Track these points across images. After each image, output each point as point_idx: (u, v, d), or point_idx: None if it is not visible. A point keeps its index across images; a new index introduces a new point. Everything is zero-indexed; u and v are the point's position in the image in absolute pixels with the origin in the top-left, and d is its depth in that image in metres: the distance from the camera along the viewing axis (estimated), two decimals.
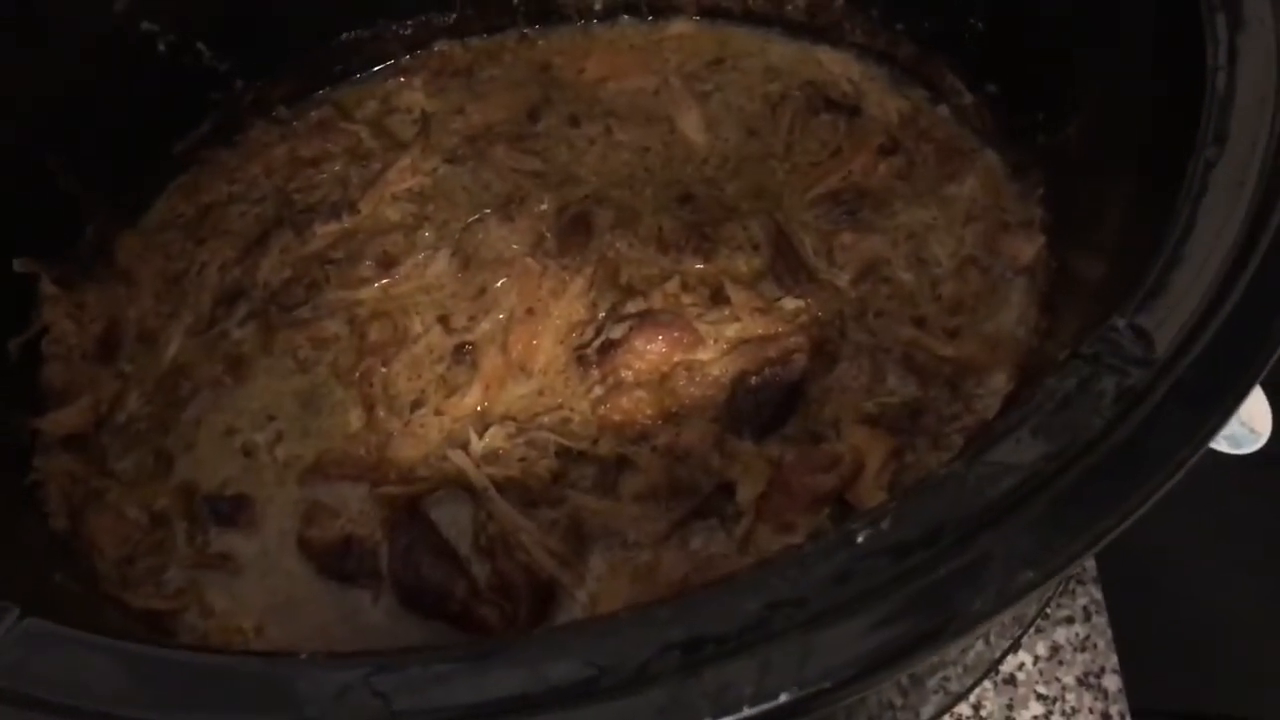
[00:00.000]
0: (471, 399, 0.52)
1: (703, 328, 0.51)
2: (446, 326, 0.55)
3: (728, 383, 0.50)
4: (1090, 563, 0.58)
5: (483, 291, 0.56)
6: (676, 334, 0.51)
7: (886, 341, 0.52)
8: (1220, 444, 0.73)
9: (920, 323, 0.52)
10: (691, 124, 0.61)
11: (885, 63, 0.61)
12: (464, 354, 0.54)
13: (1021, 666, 0.55)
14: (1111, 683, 0.55)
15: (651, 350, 0.51)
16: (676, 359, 0.51)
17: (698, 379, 0.50)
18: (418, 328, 0.55)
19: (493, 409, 0.52)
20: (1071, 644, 0.56)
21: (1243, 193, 0.34)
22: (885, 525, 0.29)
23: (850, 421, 0.49)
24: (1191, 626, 0.69)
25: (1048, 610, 0.57)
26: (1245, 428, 0.73)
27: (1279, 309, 0.31)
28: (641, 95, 0.64)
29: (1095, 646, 0.56)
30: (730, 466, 0.48)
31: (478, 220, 0.59)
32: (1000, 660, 0.54)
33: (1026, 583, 0.27)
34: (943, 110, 0.60)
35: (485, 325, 0.55)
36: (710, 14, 0.64)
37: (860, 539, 0.28)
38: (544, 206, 0.58)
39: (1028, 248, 0.53)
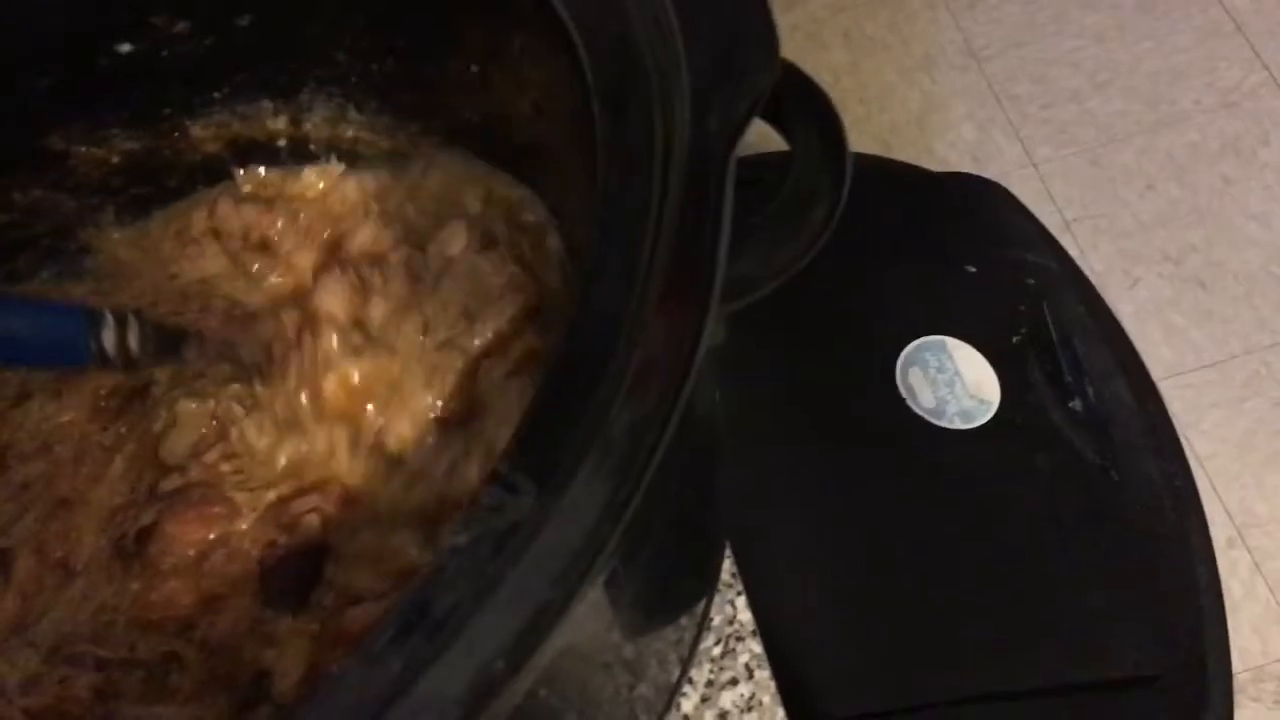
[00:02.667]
0: (7, 614, 0.47)
1: (240, 496, 0.47)
2: None
3: (258, 554, 0.46)
4: (747, 615, 0.56)
5: (25, 487, 0.51)
6: (210, 509, 0.47)
7: None
8: (954, 422, 0.72)
9: None
10: None
11: None
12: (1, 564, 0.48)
13: None
14: None
15: (185, 533, 0.46)
16: (213, 535, 0.47)
17: (235, 554, 0.46)
18: None
19: (36, 621, 0.47)
20: (738, 706, 0.54)
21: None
22: None
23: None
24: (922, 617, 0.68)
25: (711, 676, 0.54)
26: (975, 399, 0.73)
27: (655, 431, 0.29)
28: None
29: (761, 704, 0.54)
30: (265, 651, 0.44)
31: (18, 405, 0.53)
32: None
33: None
34: None
35: (23, 525, 0.49)
36: None
37: None
38: None
39: None
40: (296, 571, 0.45)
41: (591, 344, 0.31)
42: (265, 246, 0.57)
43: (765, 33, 0.34)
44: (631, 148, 0.34)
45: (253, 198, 0.59)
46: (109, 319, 0.47)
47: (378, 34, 0.51)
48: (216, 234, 0.58)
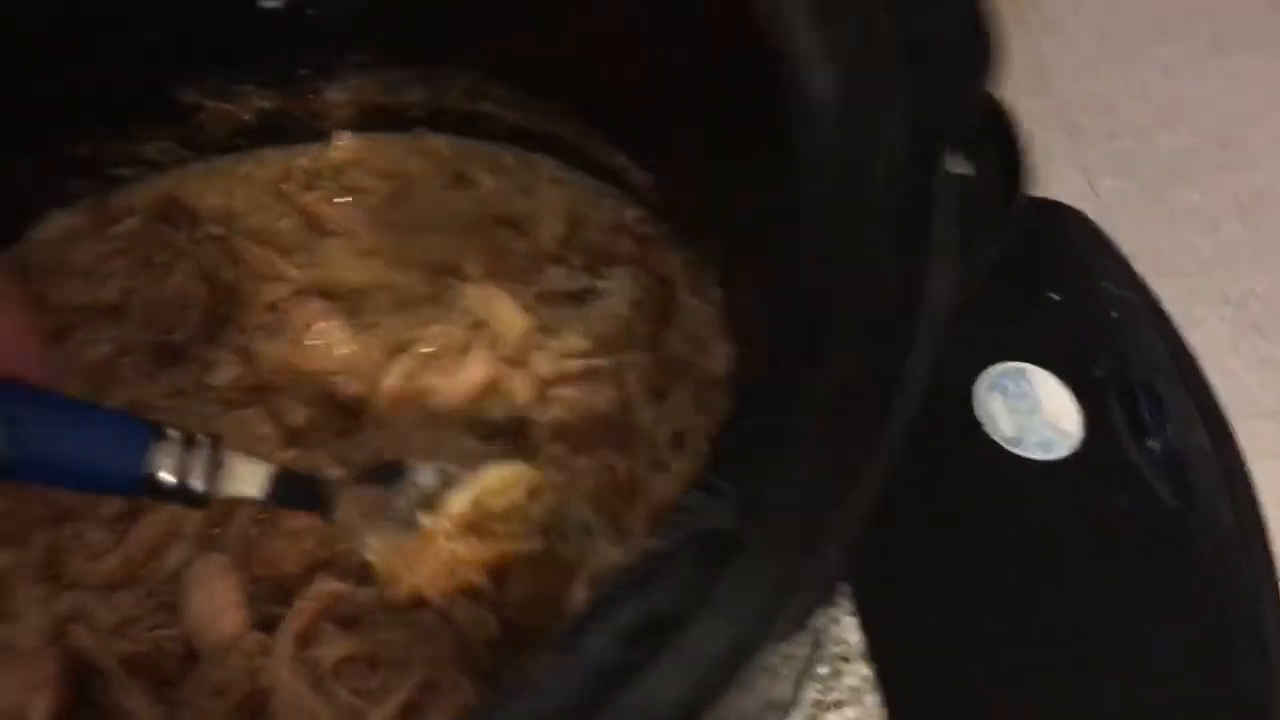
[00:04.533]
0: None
1: None
2: None
3: None
4: (856, 637, 0.55)
5: None
6: None
7: None
8: (1033, 452, 0.72)
9: None
10: None
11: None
12: None
13: None
14: None
15: None
16: None
17: None
18: None
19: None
20: None
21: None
22: None
23: None
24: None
25: (818, 696, 0.53)
26: (1055, 431, 0.72)
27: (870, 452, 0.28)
28: None
29: None
30: None
31: None
32: None
33: None
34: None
35: None
36: None
37: None
38: None
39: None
40: None
41: (796, 354, 0.30)
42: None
43: (988, 39, 0.33)
44: (840, 151, 0.33)
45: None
46: (171, 438, 0.39)
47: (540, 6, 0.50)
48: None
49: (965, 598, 0.68)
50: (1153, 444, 0.76)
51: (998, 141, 0.36)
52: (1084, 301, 0.85)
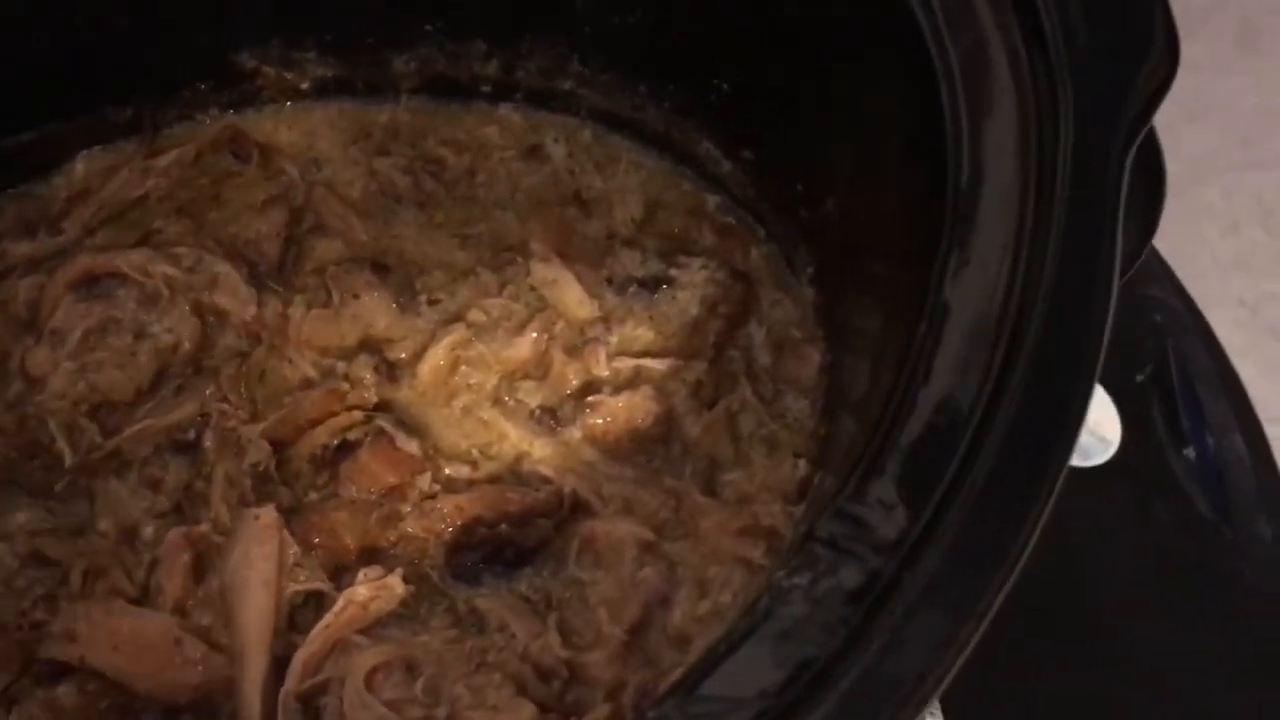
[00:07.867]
0: None
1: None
2: None
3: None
4: None
5: None
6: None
7: None
8: (1072, 458, 0.70)
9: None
10: None
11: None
12: None
13: None
14: None
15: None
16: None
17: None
18: None
19: None
20: None
21: (990, 308, 0.29)
22: None
23: None
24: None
25: None
26: (1094, 437, 0.70)
27: (1043, 461, 0.27)
28: None
29: None
30: None
31: None
32: None
33: None
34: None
35: None
36: None
37: None
38: None
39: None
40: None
41: (966, 365, 0.29)
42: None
43: (1165, 28, 0.32)
44: (996, 144, 0.31)
45: None
46: None
47: None
48: None
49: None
50: (1189, 453, 0.75)
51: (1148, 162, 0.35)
52: (1127, 304, 0.84)
